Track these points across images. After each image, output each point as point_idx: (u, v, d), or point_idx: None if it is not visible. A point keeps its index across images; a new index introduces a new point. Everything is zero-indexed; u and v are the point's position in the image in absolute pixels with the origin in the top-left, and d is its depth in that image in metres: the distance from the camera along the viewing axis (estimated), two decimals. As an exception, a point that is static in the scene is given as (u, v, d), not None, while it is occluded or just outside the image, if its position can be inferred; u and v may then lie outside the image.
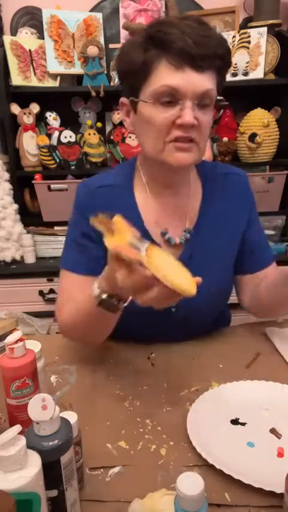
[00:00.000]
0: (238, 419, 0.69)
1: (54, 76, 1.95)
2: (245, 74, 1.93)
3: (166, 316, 0.88)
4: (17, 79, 1.88)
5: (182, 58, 0.72)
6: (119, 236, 0.60)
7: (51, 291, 1.86)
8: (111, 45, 1.99)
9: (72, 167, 1.95)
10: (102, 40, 1.94)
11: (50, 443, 0.46)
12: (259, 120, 1.90)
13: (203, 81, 0.74)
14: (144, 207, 0.90)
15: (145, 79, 0.76)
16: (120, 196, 0.90)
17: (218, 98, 0.80)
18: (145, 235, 0.87)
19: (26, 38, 1.93)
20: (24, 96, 1.93)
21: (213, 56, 0.73)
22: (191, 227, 0.90)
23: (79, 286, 0.84)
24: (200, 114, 0.75)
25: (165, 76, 0.73)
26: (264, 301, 0.91)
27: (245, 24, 2.02)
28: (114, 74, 1.93)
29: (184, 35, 0.71)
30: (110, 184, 0.91)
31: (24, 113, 1.91)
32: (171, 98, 0.74)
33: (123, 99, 0.83)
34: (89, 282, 0.77)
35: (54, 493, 0.47)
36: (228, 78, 1.95)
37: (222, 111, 2.03)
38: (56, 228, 1.94)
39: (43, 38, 1.91)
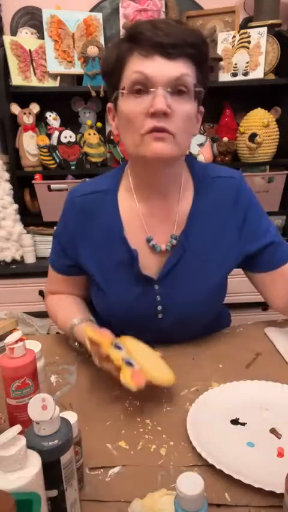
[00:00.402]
0: (238, 419, 0.69)
1: (54, 76, 1.95)
2: (245, 74, 1.93)
3: (154, 322, 0.90)
4: (17, 79, 1.88)
5: (152, 47, 0.72)
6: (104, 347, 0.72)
7: (51, 291, 1.86)
8: (111, 45, 1.99)
9: (72, 167, 1.95)
10: (102, 40, 1.94)
11: (50, 443, 0.46)
12: (259, 120, 1.90)
13: (173, 68, 0.72)
14: (128, 213, 0.88)
15: (120, 74, 0.77)
16: (103, 202, 0.89)
17: (197, 89, 0.77)
18: (123, 243, 0.86)
19: (26, 38, 1.93)
20: (24, 96, 1.93)
21: (183, 44, 0.72)
22: (178, 233, 0.87)
23: (56, 280, 1.00)
24: (174, 102, 0.73)
25: (136, 65, 0.74)
26: None
27: (245, 24, 2.02)
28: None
29: (155, 28, 0.72)
30: (94, 191, 0.90)
31: (24, 113, 1.91)
32: (143, 87, 0.73)
33: (109, 104, 0.83)
34: (60, 279, 0.98)
35: (54, 493, 0.47)
36: (228, 78, 1.95)
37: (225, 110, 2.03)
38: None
39: (43, 38, 1.91)
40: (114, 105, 0.81)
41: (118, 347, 0.74)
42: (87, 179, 0.95)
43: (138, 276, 0.87)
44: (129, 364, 0.71)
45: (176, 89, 0.73)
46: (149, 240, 0.87)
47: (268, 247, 0.90)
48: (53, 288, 1.03)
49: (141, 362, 0.72)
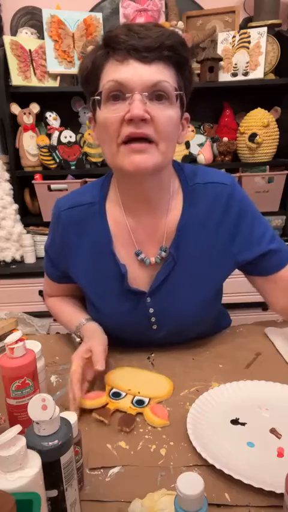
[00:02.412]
0: (238, 419, 0.69)
1: (54, 76, 1.95)
2: (245, 74, 1.93)
3: (149, 333, 0.89)
4: (17, 79, 1.88)
5: (127, 52, 0.69)
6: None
7: (51, 291, 1.86)
8: (111, 45, 1.99)
9: (72, 167, 1.95)
10: (102, 40, 1.94)
11: (50, 443, 0.46)
12: (259, 120, 1.91)
13: (150, 73, 0.69)
14: (116, 226, 0.85)
15: (97, 82, 0.74)
16: (90, 215, 0.86)
17: (177, 93, 0.72)
18: (112, 257, 0.85)
19: (26, 38, 1.93)
20: (24, 96, 1.94)
21: (159, 47, 0.69)
22: (168, 244, 0.84)
23: (51, 285, 1.02)
24: (153, 108, 0.69)
25: (111, 72, 0.71)
26: None
27: (245, 24, 2.02)
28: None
29: (130, 31, 0.69)
30: (80, 203, 0.87)
31: (24, 113, 1.91)
32: (119, 93, 0.70)
33: (89, 114, 0.81)
34: (55, 284, 1.00)
35: (54, 493, 0.47)
36: (228, 78, 1.95)
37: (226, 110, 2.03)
38: (56, 228, 1.94)
39: (43, 38, 1.91)
40: (93, 114, 0.77)
41: (117, 394, 0.75)
42: (86, 179, 0.95)
43: (129, 290, 0.85)
44: (140, 403, 0.73)
45: (154, 94, 0.70)
46: (137, 254, 0.84)
47: (264, 254, 0.86)
48: (49, 291, 1.04)
49: (142, 390, 0.76)
